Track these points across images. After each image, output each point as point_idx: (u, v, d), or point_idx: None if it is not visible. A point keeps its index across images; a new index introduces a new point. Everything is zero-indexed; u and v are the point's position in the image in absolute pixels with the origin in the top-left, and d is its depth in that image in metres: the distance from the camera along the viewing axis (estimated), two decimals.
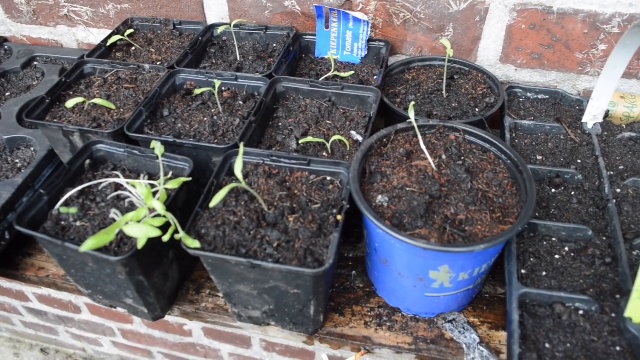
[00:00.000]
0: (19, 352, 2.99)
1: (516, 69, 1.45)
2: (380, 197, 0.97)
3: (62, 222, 1.02)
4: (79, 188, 1.05)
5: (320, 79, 1.34)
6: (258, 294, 0.97)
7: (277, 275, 0.90)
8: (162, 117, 1.26)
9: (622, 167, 1.18)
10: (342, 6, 1.46)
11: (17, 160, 1.35)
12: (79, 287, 1.14)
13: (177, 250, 1.08)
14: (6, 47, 1.82)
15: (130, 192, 1.03)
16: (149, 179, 1.09)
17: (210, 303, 1.15)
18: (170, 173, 1.09)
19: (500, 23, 1.37)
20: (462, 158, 1.06)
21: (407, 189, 0.98)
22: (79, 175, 1.12)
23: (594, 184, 1.14)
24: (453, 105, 1.31)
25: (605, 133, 1.27)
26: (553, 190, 1.14)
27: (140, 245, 0.85)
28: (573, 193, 1.13)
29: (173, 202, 1.00)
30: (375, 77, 1.41)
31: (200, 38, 1.50)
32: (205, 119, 1.23)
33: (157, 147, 1.03)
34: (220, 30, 1.51)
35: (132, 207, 1.04)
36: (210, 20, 1.64)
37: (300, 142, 1.16)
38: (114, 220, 1.00)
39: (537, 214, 1.08)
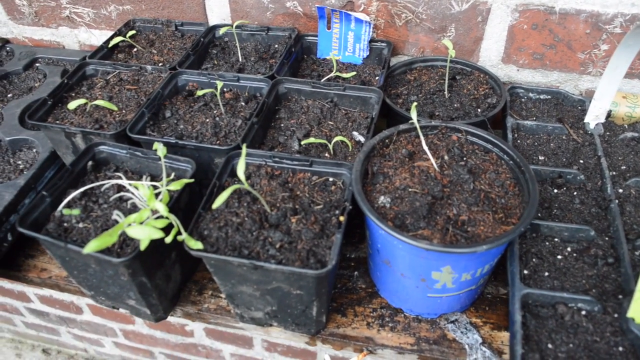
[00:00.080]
0: (20, 352, 3.00)
1: (518, 69, 1.45)
2: (382, 197, 0.97)
3: (65, 224, 1.02)
4: (82, 189, 1.06)
5: (322, 80, 1.34)
6: (260, 294, 0.97)
7: (279, 276, 0.90)
8: (164, 118, 1.26)
9: (624, 167, 1.18)
10: (343, 7, 1.46)
11: (19, 162, 1.35)
12: (82, 288, 1.14)
13: (179, 251, 1.08)
14: (8, 48, 1.82)
15: (132, 193, 1.04)
16: (151, 180, 1.10)
17: (212, 304, 1.16)
18: (173, 174, 1.09)
19: (502, 23, 1.37)
20: (464, 159, 1.06)
21: (410, 189, 0.98)
22: (82, 176, 1.12)
23: (596, 184, 1.14)
24: (455, 105, 1.31)
25: (608, 133, 1.27)
26: (555, 191, 1.14)
27: (143, 246, 0.86)
28: (575, 193, 1.13)
29: (175, 204, 1.00)
30: (377, 78, 1.41)
31: (202, 39, 1.50)
32: (208, 120, 1.24)
33: (160, 149, 1.03)
34: (222, 31, 1.51)
35: (135, 208, 1.04)
36: (212, 22, 1.64)
37: (303, 143, 1.16)
38: (117, 222, 1.00)
39: (539, 215, 1.08)
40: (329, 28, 1.47)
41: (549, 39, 1.36)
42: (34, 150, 1.38)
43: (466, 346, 1.04)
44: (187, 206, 1.07)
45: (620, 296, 0.93)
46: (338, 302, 1.13)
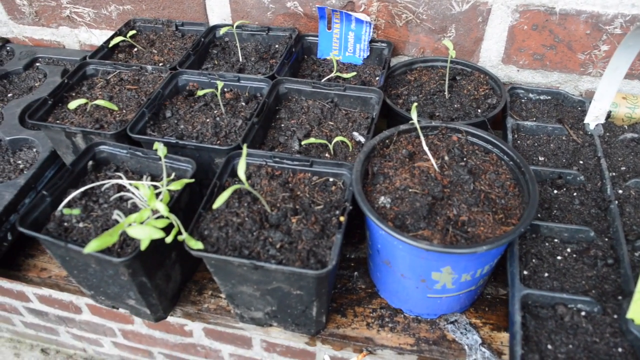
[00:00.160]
0: (19, 352, 2.99)
1: (518, 69, 1.45)
2: (382, 198, 0.98)
3: (65, 224, 1.02)
4: (82, 189, 1.06)
5: (323, 80, 1.34)
6: (261, 295, 0.97)
7: (279, 277, 0.90)
8: (165, 118, 1.26)
9: (624, 168, 1.18)
10: (344, 7, 1.46)
11: (19, 162, 1.35)
12: (82, 288, 1.14)
13: (179, 251, 1.08)
14: (8, 48, 1.82)
15: (133, 193, 1.04)
16: (152, 180, 1.10)
17: (212, 304, 1.16)
18: (173, 174, 1.09)
19: (502, 24, 1.37)
20: (465, 159, 1.06)
21: (410, 190, 0.98)
22: (82, 176, 1.12)
23: (596, 185, 1.14)
24: (455, 106, 1.31)
25: (607, 134, 1.27)
26: (555, 191, 1.14)
27: (143, 246, 0.86)
28: (575, 194, 1.13)
29: (176, 204, 1.00)
30: (377, 78, 1.41)
31: (202, 39, 1.50)
32: (208, 120, 1.24)
33: (160, 149, 1.03)
34: (222, 31, 1.51)
35: (135, 208, 1.04)
36: (213, 22, 1.64)
37: (303, 143, 1.16)
38: (117, 222, 1.00)
39: (539, 215, 1.08)
40: (329, 28, 1.47)
41: (549, 39, 1.37)
42: (34, 149, 1.38)
43: (466, 347, 1.04)
44: (188, 206, 1.07)
45: (619, 297, 0.93)
46: (338, 302, 1.13)
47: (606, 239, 1.04)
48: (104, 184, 1.09)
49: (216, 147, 1.11)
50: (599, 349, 0.87)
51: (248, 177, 1.06)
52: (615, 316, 0.91)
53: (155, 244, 0.89)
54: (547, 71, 1.43)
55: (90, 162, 1.13)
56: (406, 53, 1.53)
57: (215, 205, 0.88)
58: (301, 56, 1.53)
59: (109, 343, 2.73)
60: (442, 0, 1.37)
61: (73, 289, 1.25)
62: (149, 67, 1.40)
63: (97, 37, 1.79)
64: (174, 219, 0.90)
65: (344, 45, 1.47)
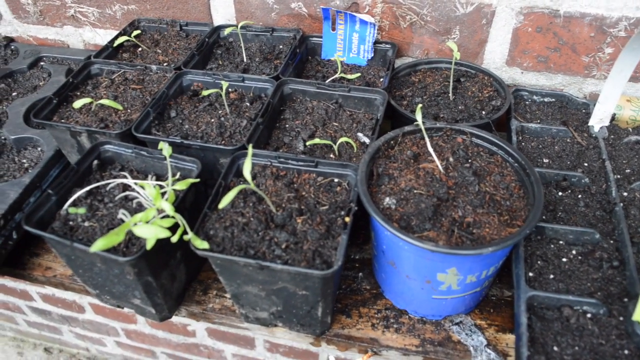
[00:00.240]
0: (22, 351, 3.00)
1: (522, 71, 1.45)
2: (387, 199, 0.98)
3: (70, 222, 1.02)
4: (87, 188, 1.06)
5: (327, 81, 1.35)
6: (266, 295, 0.97)
7: (285, 277, 0.90)
8: (169, 118, 1.26)
9: (628, 170, 1.18)
10: (348, 8, 1.46)
11: (24, 160, 1.35)
12: (87, 287, 1.14)
13: (184, 251, 1.08)
14: (12, 47, 1.82)
15: (138, 192, 1.04)
16: (157, 179, 1.10)
17: (217, 304, 1.16)
18: (178, 174, 1.09)
19: (506, 26, 1.37)
20: (469, 161, 1.06)
21: (415, 191, 0.98)
22: (87, 175, 1.12)
23: (600, 187, 1.14)
24: (459, 107, 1.31)
25: (612, 136, 1.27)
26: (560, 194, 1.14)
27: (149, 245, 0.86)
28: (580, 196, 1.13)
29: (181, 203, 1.00)
30: (381, 80, 1.41)
31: (206, 39, 1.51)
32: (213, 120, 1.24)
33: (165, 148, 1.03)
34: (227, 31, 1.51)
35: (140, 207, 1.04)
36: (217, 22, 1.64)
37: (308, 143, 1.16)
38: (122, 221, 1.00)
39: (544, 217, 1.08)
40: (333, 29, 1.47)
41: (554, 42, 1.37)
42: (39, 148, 1.39)
43: (471, 348, 1.04)
44: (193, 206, 1.07)
45: (625, 299, 0.93)
46: (343, 303, 1.13)
47: (611, 241, 1.04)
48: (109, 183, 1.09)
49: (221, 147, 1.11)
50: (605, 351, 0.87)
51: (253, 177, 1.06)
52: (621, 318, 0.91)
53: (161, 243, 0.89)
54: (551, 73, 1.43)
55: (96, 162, 1.14)
56: (410, 54, 1.53)
57: (221, 205, 0.88)
58: (305, 57, 1.53)
59: (112, 342, 2.74)
60: (446, 2, 1.37)
61: (78, 288, 1.25)
62: (154, 67, 1.40)
63: (102, 36, 1.80)
64: (179, 218, 0.90)
65: (348, 47, 1.48)
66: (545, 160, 1.21)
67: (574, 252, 1.03)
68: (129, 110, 1.28)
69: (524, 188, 1.01)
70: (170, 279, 1.08)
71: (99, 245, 0.81)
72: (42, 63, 1.73)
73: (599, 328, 0.90)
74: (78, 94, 1.36)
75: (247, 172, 0.89)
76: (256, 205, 0.99)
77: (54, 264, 1.28)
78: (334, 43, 1.49)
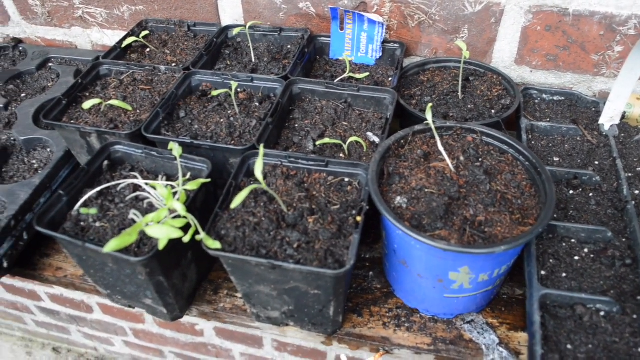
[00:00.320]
0: (31, 351, 3.01)
1: (531, 70, 1.45)
2: (399, 198, 0.98)
3: (82, 223, 1.02)
4: (98, 189, 1.06)
5: (336, 81, 1.35)
6: (278, 294, 0.97)
7: (297, 276, 0.90)
8: (179, 118, 1.26)
9: (639, 168, 1.18)
10: (356, 8, 1.46)
11: (34, 161, 1.36)
12: (98, 287, 1.15)
13: (195, 251, 1.08)
14: (21, 48, 1.83)
15: (149, 193, 1.04)
16: (167, 180, 1.10)
17: (228, 303, 1.16)
18: (189, 174, 1.09)
19: (515, 25, 1.37)
20: (480, 159, 1.06)
21: (426, 190, 0.98)
22: (97, 176, 1.13)
23: (612, 185, 1.14)
24: (469, 106, 1.31)
25: (622, 135, 1.27)
26: (571, 192, 1.13)
27: (161, 246, 0.86)
28: (591, 195, 1.13)
29: (192, 203, 1.00)
30: (389, 79, 1.41)
31: (214, 39, 1.51)
32: (222, 120, 1.24)
33: (175, 148, 1.03)
34: (235, 31, 1.51)
35: (151, 208, 1.05)
36: (225, 22, 1.64)
37: (317, 143, 1.16)
38: (133, 221, 1.00)
39: (555, 216, 1.08)
40: (341, 29, 1.47)
41: (563, 40, 1.36)
42: (48, 149, 1.39)
43: (483, 347, 1.04)
44: (203, 206, 1.07)
45: (639, 297, 0.93)
46: (354, 302, 1.13)
47: (623, 239, 1.03)
48: (119, 184, 1.09)
49: (231, 147, 1.11)
50: (619, 349, 0.87)
51: (263, 177, 1.06)
52: (635, 316, 0.91)
53: (172, 243, 0.89)
54: (561, 72, 1.43)
55: (106, 162, 1.14)
56: (418, 54, 1.53)
57: (233, 205, 0.88)
58: (313, 57, 1.53)
59: (120, 342, 2.75)
60: (454, 1, 1.37)
61: (89, 288, 1.25)
62: (162, 68, 1.40)
63: (110, 37, 1.80)
64: (191, 218, 0.90)
65: (356, 46, 1.48)
66: (556, 159, 1.21)
67: (586, 250, 1.02)
68: (138, 111, 1.28)
69: (535, 186, 1.01)
70: (182, 279, 1.08)
71: (112, 245, 0.81)
72: (50, 64, 1.73)
73: (612, 326, 0.90)
74: (87, 94, 1.36)
75: (258, 172, 0.89)
76: (267, 205, 0.99)
77: (65, 264, 1.29)
78: (342, 43, 1.49)
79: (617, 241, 1.03)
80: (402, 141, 1.10)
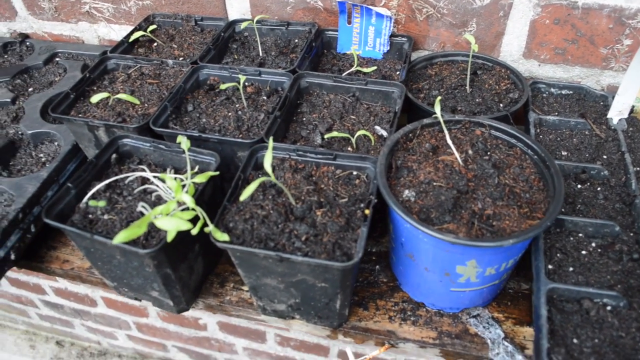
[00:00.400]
0: (34, 344, 3.03)
1: (539, 64, 1.44)
2: (407, 191, 0.98)
3: (90, 215, 1.03)
4: (107, 182, 1.06)
5: (343, 75, 1.34)
6: (285, 287, 0.98)
7: (305, 269, 0.90)
8: (187, 112, 1.26)
9: None
10: (364, 1, 1.46)
11: (41, 155, 1.36)
12: (105, 279, 1.15)
13: (202, 243, 1.09)
14: (28, 43, 1.83)
15: (157, 186, 1.04)
16: (175, 173, 1.10)
17: (234, 296, 1.16)
18: (197, 167, 1.10)
19: (524, 18, 1.36)
20: (488, 153, 1.06)
21: (434, 183, 0.98)
22: (105, 169, 1.13)
23: (620, 179, 1.13)
24: (477, 100, 1.30)
25: (631, 129, 1.26)
26: (579, 186, 1.13)
27: (170, 238, 0.86)
28: (599, 189, 1.12)
29: (200, 196, 1.00)
30: (397, 73, 1.41)
31: (222, 34, 1.51)
32: (230, 113, 1.24)
33: (183, 142, 1.03)
34: (242, 26, 1.51)
35: (159, 201, 1.05)
36: (232, 16, 1.64)
37: (325, 137, 1.16)
38: (141, 214, 1.01)
39: (562, 210, 1.08)
40: (349, 23, 1.46)
41: (571, 34, 1.36)
42: (56, 143, 1.39)
43: (488, 341, 1.04)
44: (210, 199, 1.08)
45: None
46: (360, 295, 1.13)
47: (631, 234, 1.03)
48: (127, 177, 1.09)
49: (239, 140, 1.11)
50: (625, 343, 0.87)
51: (272, 170, 1.06)
52: None
53: (180, 236, 0.89)
54: (569, 66, 1.42)
55: (114, 155, 1.14)
56: (426, 47, 1.52)
57: (242, 197, 0.88)
58: (321, 51, 1.53)
59: (123, 336, 2.76)
60: None
61: (95, 281, 1.26)
62: (170, 62, 1.40)
63: (116, 32, 1.80)
64: (199, 211, 0.90)
65: (364, 40, 1.47)
66: (564, 153, 1.20)
67: (593, 244, 1.02)
68: (146, 105, 1.29)
69: (543, 180, 1.01)
70: (189, 272, 1.08)
71: (121, 237, 0.81)
72: (57, 59, 1.74)
73: (619, 321, 0.90)
74: (95, 88, 1.36)
75: (267, 165, 0.89)
76: (275, 198, 0.99)
77: (72, 257, 1.29)
78: (349, 36, 1.49)
79: (625, 235, 1.03)
80: (411, 135, 1.10)
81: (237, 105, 1.27)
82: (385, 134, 1.18)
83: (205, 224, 0.91)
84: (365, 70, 1.39)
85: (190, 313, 2.32)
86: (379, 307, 1.11)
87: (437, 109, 1.04)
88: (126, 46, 1.53)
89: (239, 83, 1.25)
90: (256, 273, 0.97)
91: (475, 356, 1.03)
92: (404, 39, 1.46)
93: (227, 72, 1.34)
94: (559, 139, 1.24)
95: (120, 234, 0.81)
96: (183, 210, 0.92)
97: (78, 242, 1.04)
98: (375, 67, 1.40)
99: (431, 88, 1.36)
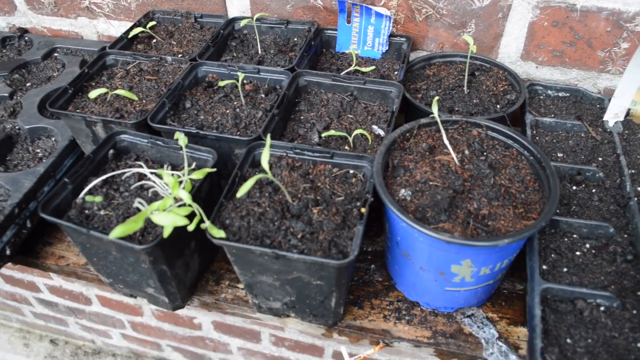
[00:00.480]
0: (28, 342, 3.02)
1: (537, 66, 1.45)
2: (403, 190, 0.98)
3: (86, 211, 1.03)
4: (103, 177, 1.06)
5: (342, 74, 1.35)
6: (280, 285, 0.98)
7: (301, 266, 0.90)
8: (185, 108, 1.26)
9: None
10: (364, 1, 1.46)
11: (38, 150, 1.36)
12: (100, 275, 1.15)
13: (198, 240, 1.09)
14: (27, 38, 1.83)
15: (154, 182, 1.04)
16: (172, 169, 1.10)
17: (229, 294, 1.16)
18: (194, 164, 1.10)
19: (522, 20, 1.37)
20: (485, 153, 1.07)
21: (430, 183, 0.98)
22: (103, 164, 1.13)
23: (615, 182, 1.14)
24: (474, 101, 1.31)
25: (627, 131, 1.27)
26: (574, 188, 1.14)
27: (166, 233, 0.86)
28: (594, 190, 1.13)
29: (197, 193, 1.00)
30: (395, 72, 1.41)
31: (221, 31, 1.51)
32: (228, 111, 1.24)
33: (181, 138, 1.03)
34: (242, 23, 1.51)
35: (156, 197, 1.05)
36: (232, 14, 1.64)
37: (323, 135, 1.16)
38: (138, 210, 1.01)
39: (557, 211, 1.08)
40: (348, 22, 1.47)
41: (569, 36, 1.36)
42: (53, 138, 1.39)
43: (482, 340, 1.04)
44: (207, 196, 1.08)
45: (639, 293, 0.93)
46: (355, 294, 1.14)
47: (625, 236, 1.03)
48: (124, 173, 1.09)
49: (237, 137, 1.11)
50: (618, 343, 0.87)
51: (269, 168, 1.06)
52: (635, 312, 0.91)
53: (176, 232, 0.89)
54: (566, 68, 1.43)
55: (111, 151, 1.14)
56: (425, 48, 1.53)
57: (239, 194, 0.88)
58: (320, 49, 1.53)
59: (117, 335, 2.75)
60: None
61: (90, 277, 1.26)
62: (169, 58, 1.40)
63: (116, 28, 1.80)
64: (196, 207, 0.91)
65: (363, 39, 1.48)
66: (560, 155, 1.21)
67: (587, 245, 1.03)
68: (144, 101, 1.29)
69: (539, 181, 1.01)
70: (184, 269, 1.08)
71: (117, 232, 0.81)
72: (56, 54, 1.74)
73: (612, 321, 0.91)
74: (93, 84, 1.37)
75: (265, 162, 0.89)
76: (272, 196, 0.99)
77: (67, 253, 1.29)
78: (348, 36, 1.49)
79: (619, 237, 1.03)
80: (408, 134, 1.10)
81: (235, 103, 1.27)
82: (382, 133, 1.18)
83: (201, 221, 0.91)
84: (363, 69, 1.39)
85: (185, 312, 2.32)
86: (374, 306, 1.12)
87: (435, 108, 1.04)
88: (125, 42, 1.53)
89: (238, 80, 1.25)
90: (252, 270, 0.97)
91: (469, 356, 1.04)
92: (402, 39, 1.47)
93: (226, 70, 1.34)
94: (555, 140, 1.25)
95: (117, 229, 0.81)
96: (180, 206, 0.92)
97: (74, 238, 1.03)
98: (373, 67, 1.40)
99: (429, 88, 1.37)
